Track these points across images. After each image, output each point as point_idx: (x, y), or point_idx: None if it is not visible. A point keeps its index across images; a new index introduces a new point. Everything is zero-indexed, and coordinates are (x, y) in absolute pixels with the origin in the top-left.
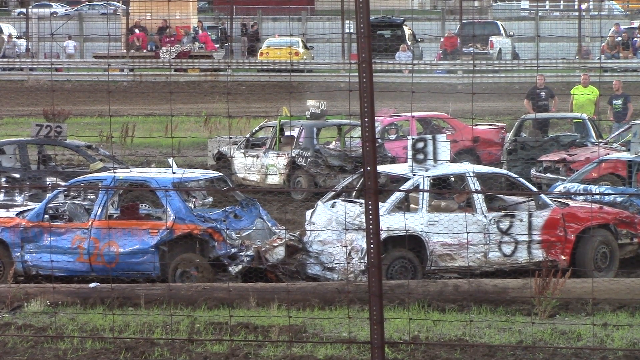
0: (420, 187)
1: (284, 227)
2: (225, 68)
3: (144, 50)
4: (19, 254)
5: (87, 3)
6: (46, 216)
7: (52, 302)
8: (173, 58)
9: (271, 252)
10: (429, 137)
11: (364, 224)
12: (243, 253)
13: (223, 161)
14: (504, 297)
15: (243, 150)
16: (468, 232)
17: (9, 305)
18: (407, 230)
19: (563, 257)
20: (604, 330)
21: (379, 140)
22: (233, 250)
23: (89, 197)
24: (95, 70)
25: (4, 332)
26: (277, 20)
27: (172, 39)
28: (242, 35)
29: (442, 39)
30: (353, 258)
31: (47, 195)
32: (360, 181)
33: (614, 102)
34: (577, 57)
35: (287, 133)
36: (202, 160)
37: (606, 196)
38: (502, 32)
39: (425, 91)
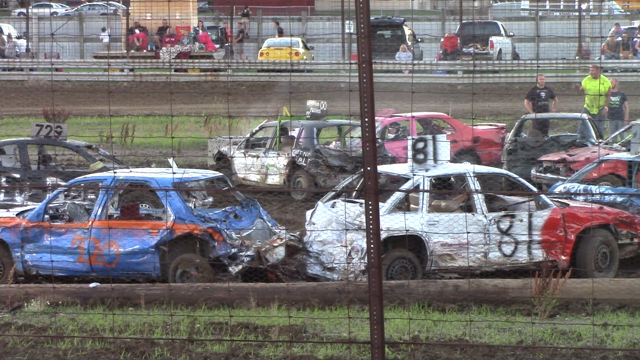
0: (420, 187)
1: (284, 227)
2: (226, 68)
3: (144, 51)
4: (19, 254)
5: (87, 3)
6: (46, 216)
7: (52, 302)
8: (173, 58)
9: (271, 252)
10: (429, 137)
11: (364, 224)
12: (243, 253)
13: (223, 161)
14: (504, 297)
15: (243, 151)
16: (468, 232)
17: (9, 305)
18: (407, 230)
19: (563, 257)
20: (604, 330)
21: (379, 140)
22: (233, 250)
23: (89, 197)
24: (95, 70)
25: (4, 332)
26: (277, 20)
27: (172, 39)
28: (243, 16)
29: (442, 39)
30: (353, 258)
31: (47, 195)
32: (361, 181)
33: (611, 98)
34: (577, 57)
35: (290, 133)
36: (202, 161)
37: (606, 196)
38: (502, 32)
39: (425, 91)
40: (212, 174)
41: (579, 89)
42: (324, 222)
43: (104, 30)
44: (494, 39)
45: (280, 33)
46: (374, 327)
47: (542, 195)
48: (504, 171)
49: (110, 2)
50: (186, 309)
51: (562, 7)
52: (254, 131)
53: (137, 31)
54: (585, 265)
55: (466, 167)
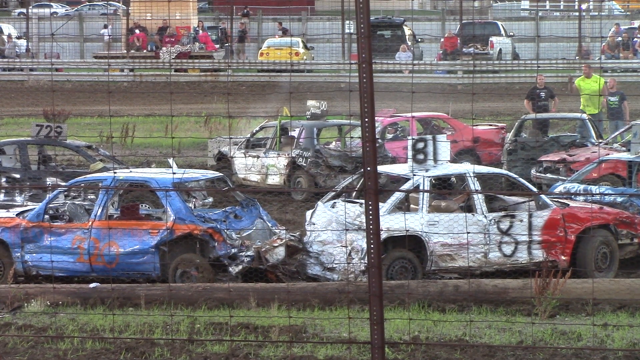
0: (420, 188)
1: (284, 228)
2: (226, 68)
3: (144, 51)
4: (19, 254)
5: (87, 3)
6: (46, 216)
7: (52, 303)
8: (173, 58)
9: (271, 252)
10: (429, 137)
11: (364, 224)
12: (243, 253)
13: (223, 161)
14: (504, 297)
15: (243, 151)
16: (468, 233)
17: (9, 306)
18: (407, 231)
19: (563, 258)
20: (604, 330)
21: (379, 140)
22: (233, 250)
23: (89, 197)
24: (95, 70)
25: (4, 332)
26: (277, 20)
27: (172, 39)
28: (243, 16)
29: (442, 39)
30: (353, 258)
31: (47, 195)
32: (361, 181)
33: (609, 98)
34: (577, 57)
35: (290, 133)
36: (203, 161)
37: (606, 196)
38: (502, 32)
39: (425, 91)
40: (212, 174)
41: (572, 85)
42: (324, 223)
43: (105, 27)
44: (494, 39)
45: (284, 33)
46: (374, 327)
47: (542, 196)
48: (504, 171)
49: (110, 2)
50: (186, 309)
51: (562, 7)
52: (254, 131)
53: (137, 31)
54: (585, 266)
55: (466, 167)
